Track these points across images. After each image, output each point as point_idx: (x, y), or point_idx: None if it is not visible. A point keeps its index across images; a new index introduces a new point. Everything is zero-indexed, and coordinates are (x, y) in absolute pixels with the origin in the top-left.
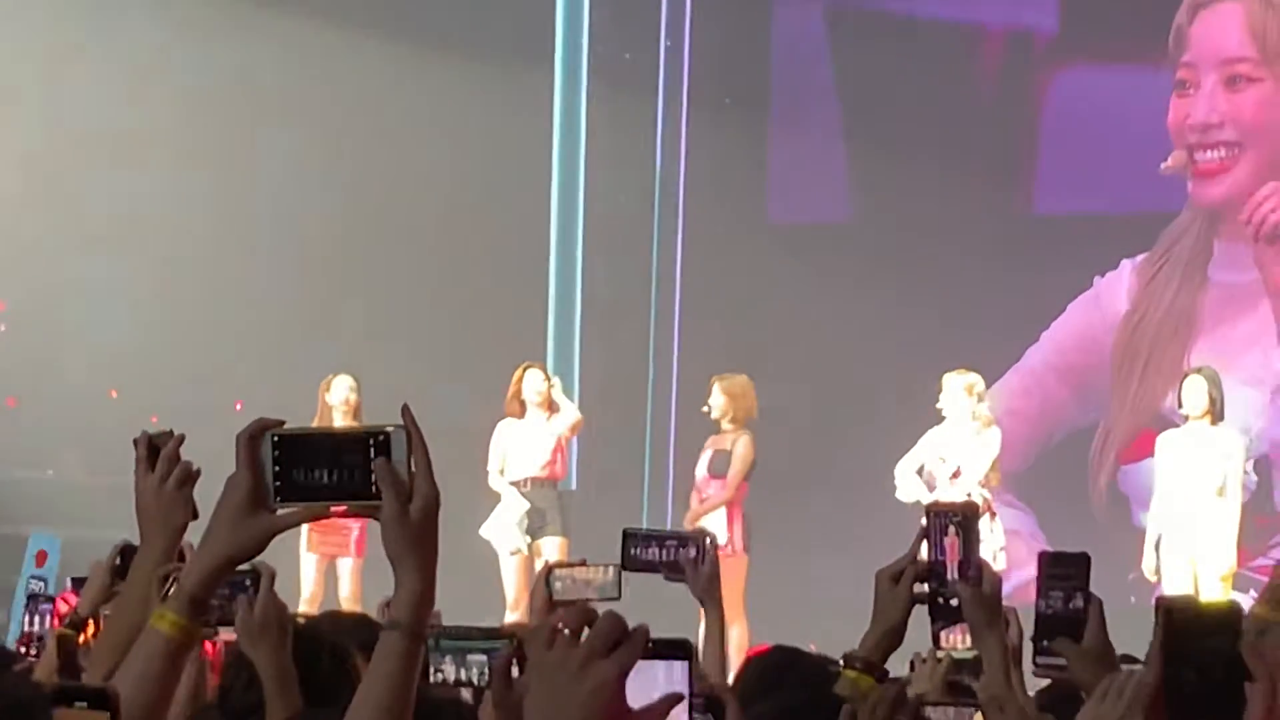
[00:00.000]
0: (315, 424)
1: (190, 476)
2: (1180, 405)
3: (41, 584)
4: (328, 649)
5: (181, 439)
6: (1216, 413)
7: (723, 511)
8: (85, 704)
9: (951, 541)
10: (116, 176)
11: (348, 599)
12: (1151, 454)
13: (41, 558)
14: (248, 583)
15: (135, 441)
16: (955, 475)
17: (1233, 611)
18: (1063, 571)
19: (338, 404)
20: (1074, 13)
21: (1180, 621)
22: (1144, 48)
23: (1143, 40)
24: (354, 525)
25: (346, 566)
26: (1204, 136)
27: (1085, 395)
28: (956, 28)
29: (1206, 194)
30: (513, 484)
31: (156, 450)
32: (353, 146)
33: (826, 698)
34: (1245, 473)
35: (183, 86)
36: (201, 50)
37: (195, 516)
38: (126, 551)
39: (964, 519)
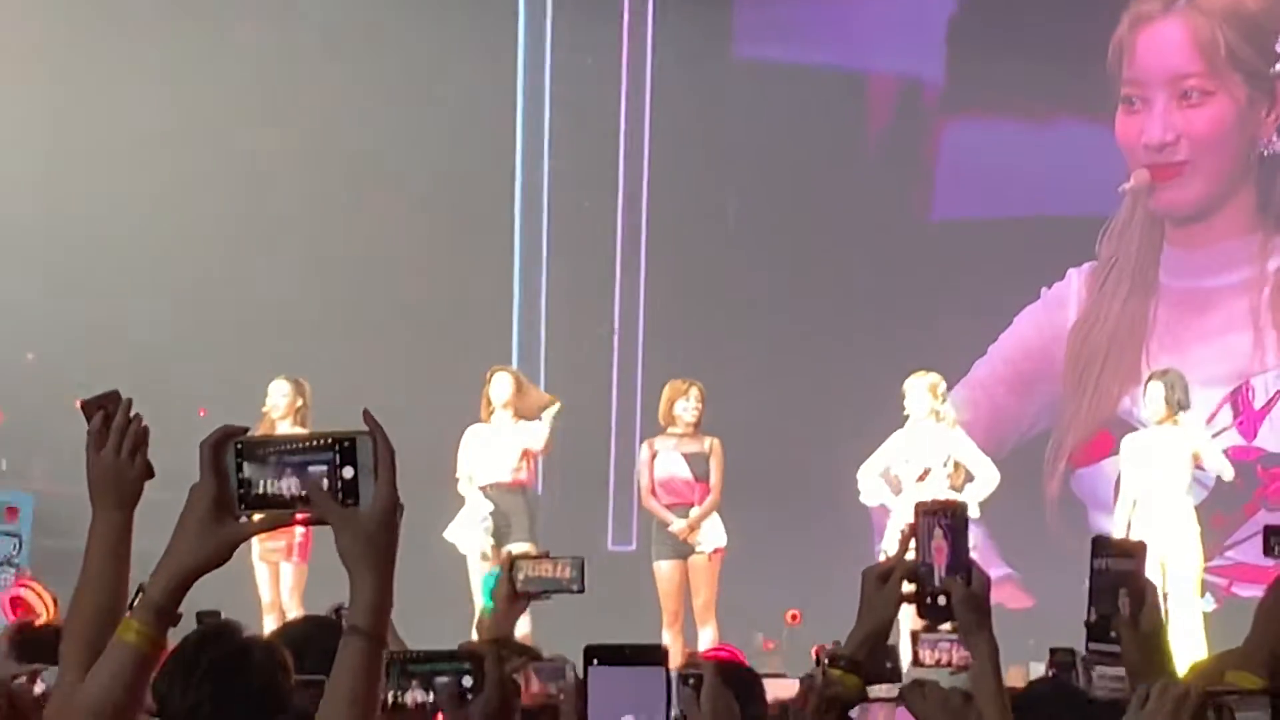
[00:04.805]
0: (259, 432)
1: (142, 439)
2: (1144, 408)
3: (15, 542)
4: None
5: (130, 402)
6: (1175, 413)
7: (715, 515)
8: None
9: (939, 544)
10: (67, 179)
11: (289, 602)
12: (1106, 456)
13: (11, 513)
14: None
15: (83, 408)
16: (922, 477)
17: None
18: (1116, 559)
19: (280, 409)
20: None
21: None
22: None
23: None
24: (296, 530)
25: (288, 570)
26: (1160, 155)
27: (1034, 405)
28: None
29: (1169, 199)
30: (480, 489)
31: (109, 418)
32: (316, 143)
33: None
34: (1202, 471)
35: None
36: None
37: (152, 474)
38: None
39: (953, 519)
